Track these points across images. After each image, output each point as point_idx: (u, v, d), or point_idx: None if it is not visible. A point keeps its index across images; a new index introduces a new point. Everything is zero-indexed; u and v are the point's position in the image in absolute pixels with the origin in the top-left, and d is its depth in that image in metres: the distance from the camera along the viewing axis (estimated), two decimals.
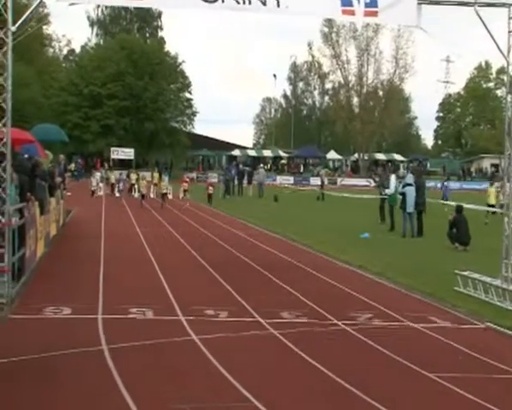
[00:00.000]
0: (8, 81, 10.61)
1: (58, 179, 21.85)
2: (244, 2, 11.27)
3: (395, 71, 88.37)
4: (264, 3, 11.34)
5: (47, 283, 12.34)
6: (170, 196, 39.80)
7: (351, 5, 11.66)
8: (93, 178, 28.02)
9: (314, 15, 15.21)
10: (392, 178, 25.67)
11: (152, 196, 40.49)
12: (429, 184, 70.03)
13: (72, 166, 63.22)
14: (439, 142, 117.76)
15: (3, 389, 6.76)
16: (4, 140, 10.57)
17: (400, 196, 23.45)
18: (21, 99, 46.47)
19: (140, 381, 7.11)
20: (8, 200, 10.66)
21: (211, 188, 37.57)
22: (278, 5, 11.39)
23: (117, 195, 40.36)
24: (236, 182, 47.77)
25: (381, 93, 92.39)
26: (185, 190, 36.51)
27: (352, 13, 11.75)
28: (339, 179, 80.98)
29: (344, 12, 11.77)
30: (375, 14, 11.77)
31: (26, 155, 16.45)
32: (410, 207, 22.79)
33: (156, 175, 43.91)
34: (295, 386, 7.24)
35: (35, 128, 23.25)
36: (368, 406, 6.67)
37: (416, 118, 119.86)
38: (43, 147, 20.12)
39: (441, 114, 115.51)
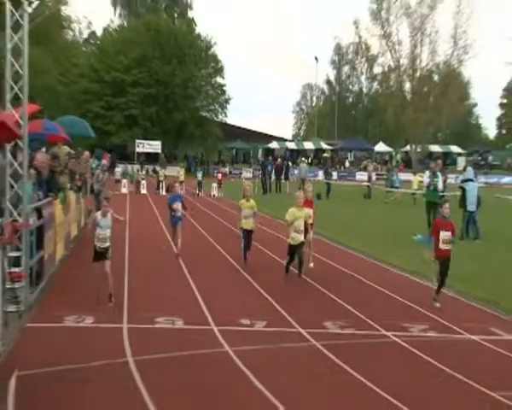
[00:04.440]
0: (25, 68, 10.67)
1: (97, 186, 23.22)
2: None
3: (453, 52, 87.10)
4: None
5: (68, 289, 12.51)
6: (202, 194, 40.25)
7: None
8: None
9: None
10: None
11: None
12: (492, 179, 70.19)
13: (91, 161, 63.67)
14: (503, 131, 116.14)
15: (24, 404, 6.91)
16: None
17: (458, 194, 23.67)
18: (38, 86, 46.99)
19: (169, 397, 7.22)
20: (25, 199, 10.82)
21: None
22: None
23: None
24: (274, 178, 47.90)
25: (436, 77, 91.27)
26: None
27: None
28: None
29: None
30: None
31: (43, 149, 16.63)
32: (472, 206, 23.05)
33: (182, 171, 41.19)
34: (341, 405, 7.26)
35: (59, 119, 23.53)
36: None
37: (476, 105, 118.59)
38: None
39: (505, 101, 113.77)
